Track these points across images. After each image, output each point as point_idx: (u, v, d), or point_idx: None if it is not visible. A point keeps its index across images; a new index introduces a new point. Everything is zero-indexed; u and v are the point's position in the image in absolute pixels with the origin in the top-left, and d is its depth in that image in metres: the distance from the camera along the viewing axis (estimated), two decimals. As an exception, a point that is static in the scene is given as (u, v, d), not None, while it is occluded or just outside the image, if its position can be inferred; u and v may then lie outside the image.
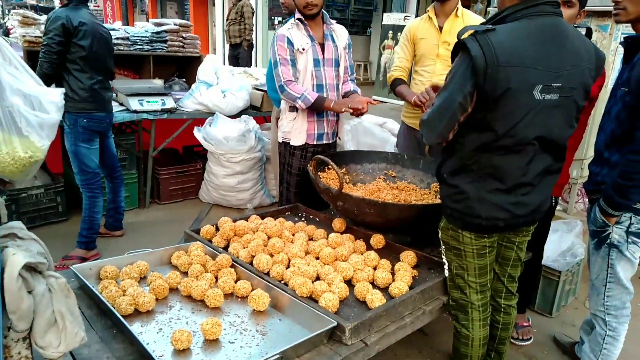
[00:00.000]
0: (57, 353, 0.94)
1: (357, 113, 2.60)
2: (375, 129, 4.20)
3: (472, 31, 1.58)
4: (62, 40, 2.91)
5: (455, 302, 1.94)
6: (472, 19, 2.76)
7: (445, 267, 1.94)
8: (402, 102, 3.17)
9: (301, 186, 2.88)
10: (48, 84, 2.80)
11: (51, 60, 2.91)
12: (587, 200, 3.67)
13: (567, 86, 1.62)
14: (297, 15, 2.66)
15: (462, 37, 1.60)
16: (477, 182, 1.72)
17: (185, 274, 1.93)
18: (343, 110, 2.62)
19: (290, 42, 2.63)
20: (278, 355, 1.41)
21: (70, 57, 2.98)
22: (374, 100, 2.73)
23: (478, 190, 1.72)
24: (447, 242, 1.88)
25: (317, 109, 2.67)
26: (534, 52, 1.56)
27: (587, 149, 3.29)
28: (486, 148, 1.66)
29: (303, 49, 2.63)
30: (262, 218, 2.42)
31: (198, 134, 4.17)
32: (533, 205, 1.77)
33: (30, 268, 0.90)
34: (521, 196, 1.72)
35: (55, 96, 0.84)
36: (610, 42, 3.46)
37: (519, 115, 1.59)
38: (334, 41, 2.74)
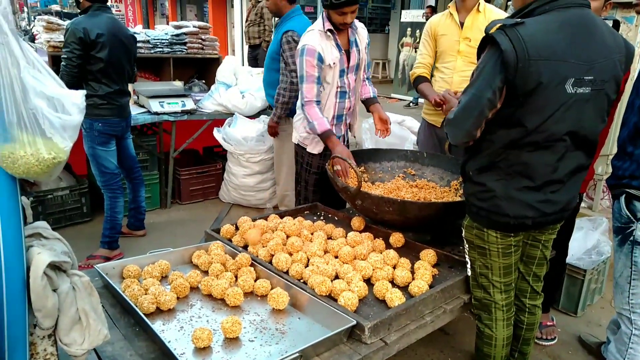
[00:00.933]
0: (82, 350, 0.96)
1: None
2: (394, 127, 4.16)
3: (500, 25, 1.55)
4: (81, 53, 2.96)
5: (478, 302, 1.91)
6: (495, 13, 2.72)
7: (468, 266, 1.92)
8: (421, 100, 3.15)
9: (320, 185, 2.89)
10: None
11: (72, 73, 2.98)
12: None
13: (598, 79, 1.58)
14: (327, 26, 2.54)
15: (490, 31, 1.56)
16: (504, 179, 1.68)
17: (206, 272, 1.96)
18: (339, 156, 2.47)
19: (320, 59, 2.53)
20: (298, 354, 1.41)
21: (88, 68, 3.04)
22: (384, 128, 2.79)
23: (506, 188, 1.68)
24: (471, 240, 1.85)
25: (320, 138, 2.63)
26: (564, 44, 1.52)
27: (612, 144, 3.21)
28: (515, 144, 1.63)
29: (333, 64, 2.58)
30: (281, 217, 2.43)
31: (218, 134, 4.21)
32: (562, 203, 1.73)
33: (54, 267, 0.92)
34: (550, 194, 1.69)
35: (77, 98, 0.85)
36: (637, 34, 3.37)
37: (550, 110, 1.56)
38: (357, 46, 2.72)
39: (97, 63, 3.04)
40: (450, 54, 2.77)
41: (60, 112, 0.81)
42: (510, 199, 1.69)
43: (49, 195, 3.67)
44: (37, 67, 0.80)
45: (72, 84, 2.98)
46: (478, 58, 1.67)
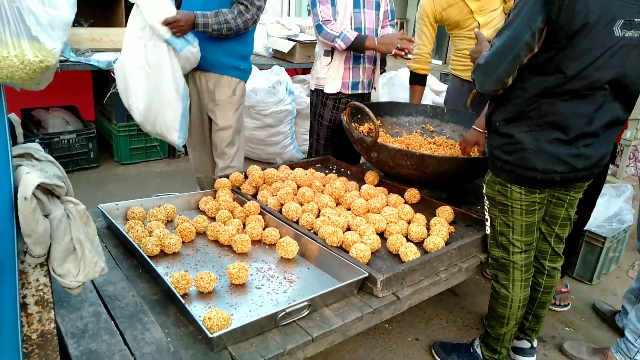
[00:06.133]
0: (76, 282, 0.89)
1: (405, 52, 2.41)
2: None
3: None
4: None
5: (495, 261, 1.82)
6: None
7: (487, 223, 1.82)
8: (439, 62, 2.97)
9: (332, 139, 2.76)
10: None
11: None
12: (639, 164, 3.42)
13: None
14: None
15: None
16: (534, 131, 1.57)
17: (213, 219, 1.88)
18: (391, 50, 2.40)
19: None
20: (306, 303, 1.34)
21: None
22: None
23: (536, 141, 1.57)
24: (493, 197, 1.75)
25: (357, 49, 2.47)
26: None
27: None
28: (550, 93, 1.50)
29: None
30: (292, 168, 2.34)
31: (228, 84, 4.06)
32: (594, 159, 1.61)
33: (46, 190, 0.84)
34: (583, 148, 1.57)
35: (65, -13, 0.74)
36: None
37: (595, 54, 1.43)
38: None
39: None
40: (466, 18, 2.58)
41: (47, 6, 0.70)
42: (539, 151, 1.57)
43: (56, 139, 3.60)
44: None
45: None
46: None
